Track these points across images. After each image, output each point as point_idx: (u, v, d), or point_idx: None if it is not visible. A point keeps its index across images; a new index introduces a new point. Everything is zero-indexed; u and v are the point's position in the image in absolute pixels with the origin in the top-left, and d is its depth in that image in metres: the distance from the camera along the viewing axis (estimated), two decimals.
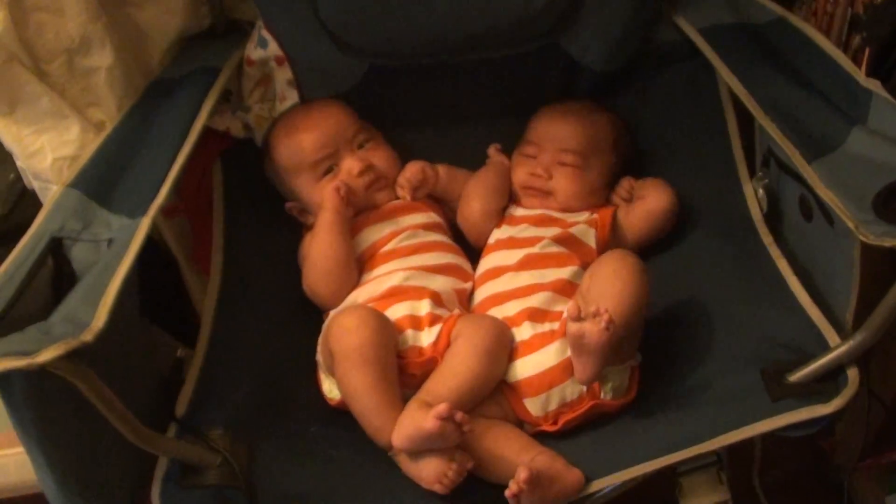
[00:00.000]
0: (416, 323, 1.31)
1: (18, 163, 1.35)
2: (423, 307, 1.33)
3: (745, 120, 1.41)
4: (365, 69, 1.50)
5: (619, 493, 1.18)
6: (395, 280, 1.37)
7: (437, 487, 1.17)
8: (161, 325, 1.40)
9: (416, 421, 1.15)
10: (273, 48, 1.47)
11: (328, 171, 1.47)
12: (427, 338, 1.30)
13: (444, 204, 1.55)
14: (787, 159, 1.20)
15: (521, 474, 1.12)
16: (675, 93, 1.53)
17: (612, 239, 1.44)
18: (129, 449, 1.04)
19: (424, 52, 1.50)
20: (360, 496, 1.21)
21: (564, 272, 1.37)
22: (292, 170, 1.48)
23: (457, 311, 1.35)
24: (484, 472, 1.20)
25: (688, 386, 1.24)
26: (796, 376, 1.15)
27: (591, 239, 1.43)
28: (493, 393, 1.27)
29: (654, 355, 1.29)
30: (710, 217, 1.45)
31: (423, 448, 1.17)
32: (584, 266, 1.36)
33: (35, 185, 1.35)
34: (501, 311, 1.34)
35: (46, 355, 0.91)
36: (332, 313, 1.36)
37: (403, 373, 1.26)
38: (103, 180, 1.24)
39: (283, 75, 1.50)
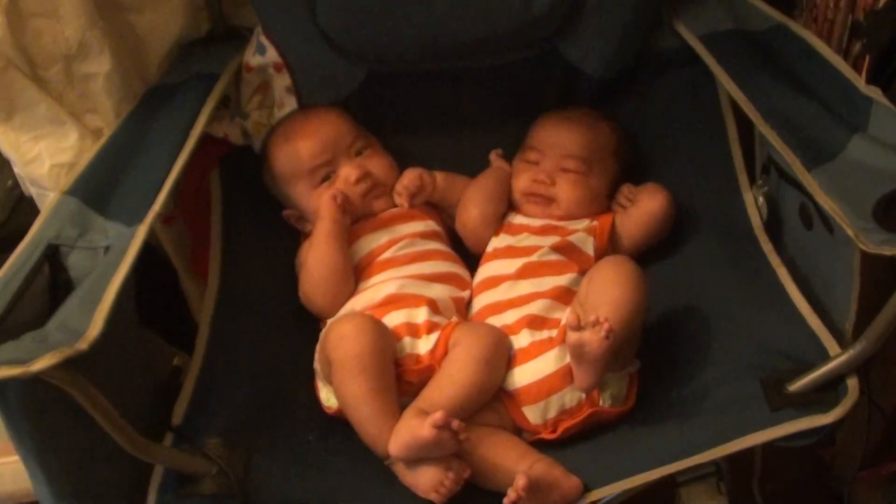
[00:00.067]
0: (413, 330, 1.31)
1: (16, 169, 1.35)
2: (421, 315, 1.32)
3: (745, 127, 1.40)
4: (363, 75, 1.50)
5: (617, 502, 1.18)
6: (391, 288, 1.37)
7: (433, 496, 1.17)
8: (159, 332, 1.40)
9: (412, 429, 1.15)
10: (272, 54, 1.47)
11: (325, 178, 1.47)
12: (425, 345, 1.29)
13: (442, 211, 1.54)
14: (787, 167, 1.20)
15: (520, 481, 1.12)
16: (675, 99, 1.53)
17: (609, 246, 1.44)
18: (124, 458, 1.03)
19: (423, 58, 1.50)
20: None
21: (562, 279, 1.37)
22: (289, 177, 1.48)
23: (455, 319, 1.34)
24: (481, 480, 1.20)
25: (686, 394, 1.24)
26: (796, 386, 1.15)
27: (589, 247, 1.42)
28: (491, 401, 1.27)
29: (653, 363, 1.29)
30: (709, 225, 1.44)
31: (419, 456, 1.16)
32: (582, 273, 1.36)
33: (32, 191, 1.35)
34: (500, 320, 1.34)
35: (41, 364, 0.90)
36: (329, 321, 1.35)
37: (401, 380, 1.26)
38: (100, 187, 1.24)
39: (282, 82, 1.50)
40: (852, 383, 1.12)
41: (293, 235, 1.51)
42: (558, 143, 1.49)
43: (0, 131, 1.30)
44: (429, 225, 1.49)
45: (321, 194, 1.44)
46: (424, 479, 1.17)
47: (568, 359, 1.23)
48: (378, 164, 1.50)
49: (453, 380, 1.24)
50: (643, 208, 1.44)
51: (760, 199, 1.39)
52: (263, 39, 1.47)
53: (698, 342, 1.29)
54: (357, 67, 1.49)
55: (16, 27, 1.25)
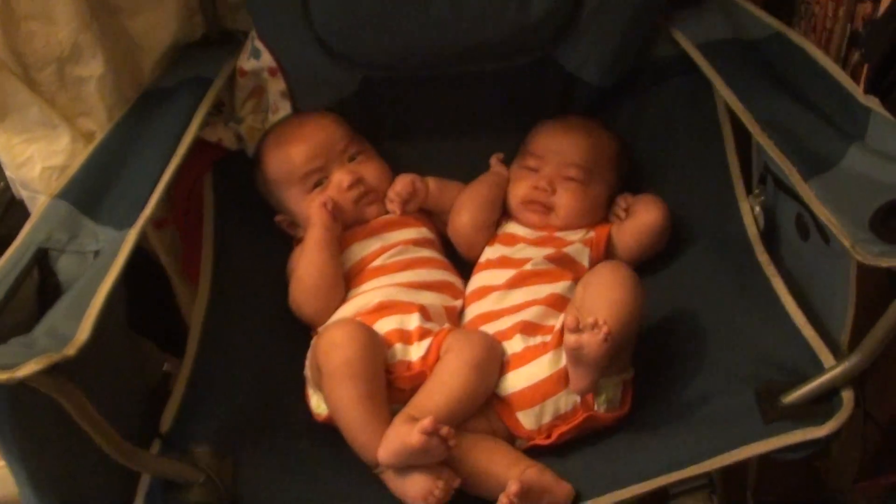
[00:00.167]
0: (405, 337, 1.30)
1: (7, 172, 1.34)
2: (413, 321, 1.32)
3: (743, 136, 1.40)
4: (359, 81, 1.50)
5: None
6: (383, 296, 1.36)
7: None
8: (150, 337, 1.40)
9: (401, 435, 1.14)
10: (266, 59, 1.47)
11: (318, 183, 1.46)
12: (416, 352, 1.29)
13: (435, 217, 1.53)
14: (784, 176, 1.19)
15: (512, 487, 1.12)
16: (672, 108, 1.52)
17: (605, 257, 1.43)
18: (112, 465, 1.03)
19: (419, 65, 1.49)
20: None
21: (557, 287, 1.36)
22: (282, 182, 1.48)
23: (447, 326, 1.34)
24: (473, 487, 1.19)
25: (680, 405, 1.23)
26: (790, 398, 1.14)
27: (584, 258, 1.42)
28: (482, 408, 1.26)
29: (648, 372, 1.28)
30: (705, 234, 1.44)
31: (408, 463, 1.16)
32: (577, 282, 1.36)
33: (23, 194, 1.35)
34: (493, 327, 1.33)
35: (26, 370, 0.90)
36: (320, 328, 1.35)
37: (392, 387, 1.25)
38: (91, 191, 1.24)
39: (276, 86, 1.49)
40: (847, 395, 1.11)
41: (285, 241, 1.50)
42: (560, 150, 1.48)
43: None
44: (421, 232, 1.49)
45: (313, 200, 1.43)
46: (414, 487, 1.16)
47: (562, 363, 1.23)
48: (371, 170, 1.49)
49: (444, 386, 1.23)
50: (640, 221, 1.44)
51: (757, 209, 1.38)
52: (258, 43, 1.46)
53: (692, 352, 1.29)
54: (352, 72, 1.49)
55: (8, 29, 1.25)
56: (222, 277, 1.42)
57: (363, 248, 1.44)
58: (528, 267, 1.39)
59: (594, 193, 1.48)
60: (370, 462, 1.20)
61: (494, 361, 1.27)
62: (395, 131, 1.57)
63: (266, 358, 1.37)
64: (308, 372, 1.32)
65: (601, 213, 1.50)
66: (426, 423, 1.11)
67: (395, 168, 1.53)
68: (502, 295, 1.38)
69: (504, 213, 1.52)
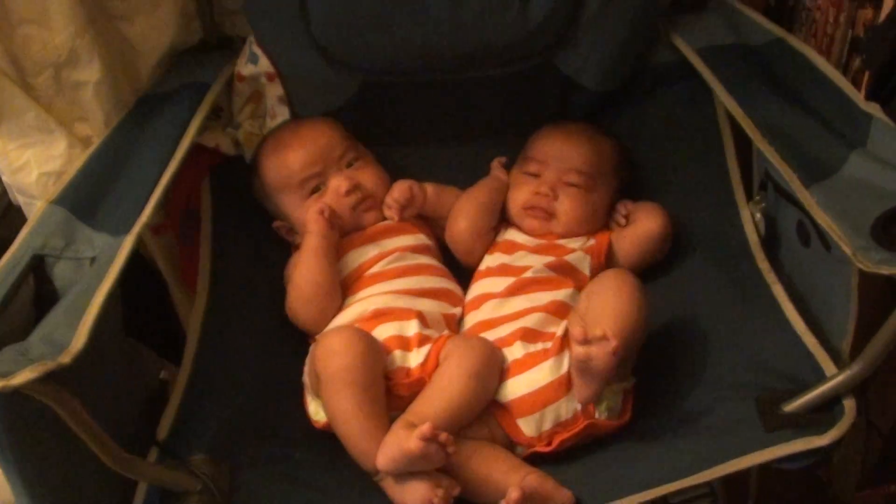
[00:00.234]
0: (404, 344, 1.30)
1: (3, 178, 1.34)
2: (412, 328, 1.31)
3: (743, 142, 1.39)
4: (357, 86, 1.49)
5: None
6: (380, 303, 1.36)
7: None
8: (148, 343, 1.39)
9: (399, 441, 1.14)
10: (264, 64, 1.46)
11: (315, 189, 1.46)
12: (416, 358, 1.28)
13: (433, 223, 1.53)
14: (785, 183, 1.19)
15: (512, 494, 1.12)
16: (672, 114, 1.52)
17: (606, 265, 1.43)
18: (108, 473, 1.02)
19: (418, 70, 1.49)
20: None
21: (558, 294, 1.36)
22: (279, 188, 1.47)
23: (446, 333, 1.33)
24: (472, 495, 1.19)
25: (681, 414, 1.23)
26: (791, 406, 1.13)
27: (585, 266, 1.42)
28: (482, 415, 1.25)
29: (648, 380, 1.28)
30: (705, 241, 1.43)
31: (407, 470, 1.15)
32: (578, 289, 1.36)
33: (20, 200, 1.35)
34: (493, 334, 1.33)
35: (21, 378, 0.89)
36: (319, 335, 1.34)
37: (391, 394, 1.25)
38: (88, 197, 1.23)
39: (274, 91, 1.49)
40: (849, 404, 1.11)
41: (283, 247, 1.50)
42: (562, 155, 1.48)
43: None
44: (419, 238, 1.48)
45: (311, 206, 1.42)
46: (413, 495, 1.15)
47: (563, 370, 1.23)
48: (369, 176, 1.48)
49: (443, 392, 1.22)
50: (641, 228, 1.44)
51: (758, 216, 1.38)
52: (256, 48, 1.46)
53: (693, 360, 1.28)
54: (351, 77, 1.48)
55: (5, 34, 1.25)
56: (220, 284, 1.41)
57: (360, 255, 1.43)
58: (528, 274, 1.39)
59: (595, 200, 1.47)
60: (369, 469, 1.19)
61: (494, 368, 1.26)
62: (393, 137, 1.57)
63: (264, 365, 1.36)
64: (306, 379, 1.31)
65: (602, 220, 1.49)
66: (425, 429, 1.11)
67: (393, 174, 1.52)
68: (502, 302, 1.37)
69: (503, 219, 1.51)
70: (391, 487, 1.18)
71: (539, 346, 1.28)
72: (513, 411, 1.25)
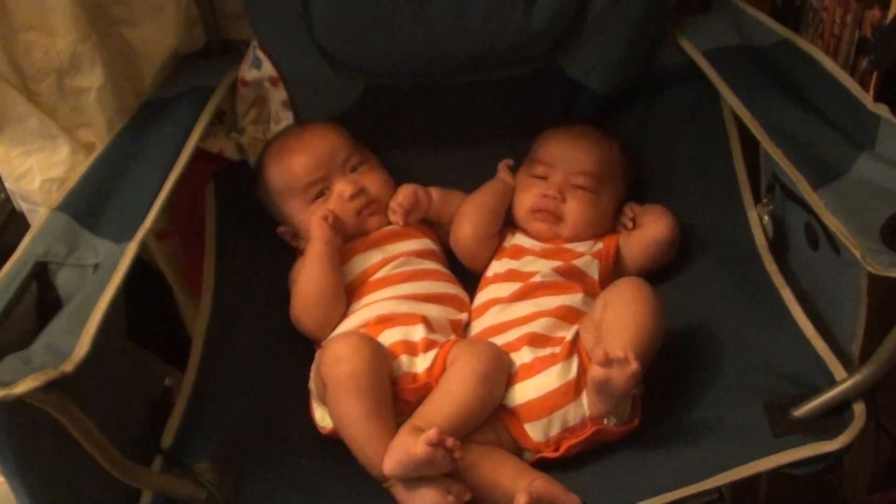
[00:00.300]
0: (410, 348, 1.29)
1: (7, 184, 1.34)
2: (418, 332, 1.31)
3: (750, 144, 1.38)
4: (361, 90, 1.49)
5: None
6: (384, 309, 1.35)
7: None
8: (154, 349, 1.39)
9: (406, 446, 1.13)
10: (267, 68, 1.46)
11: (320, 194, 1.45)
12: (422, 363, 1.28)
13: (439, 228, 1.52)
14: (793, 185, 1.18)
15: (521, 499, 1.11)
16: (679, 116, 1.52)
17: (614, 269, 1.43)
18: (112, 482, 1.02)
19: (422, 73, 1.48)
20: None
21: (567, 299, 1.35)
22: (283, 193, 1.47)
23: (453, 338, 1.33)
24: (480, 500, 1.18)
25: (689, 419, 1.22)
26: (801, 411, 1.12)
27: (594, 270, 1.41)
28: (489, 419, 1.25)
29: (656, 385, 1.26)
30: (712, 244, 1.43)
31: (414, 475, 1.14)
32: (587, 294, 1.36)
33: (23, 206, 1.35)
34: (501, 339, 1.32)
35: (23, 387, 0.89)
36: (324, 341, 1.34)
37: (397, 399, 1.24)
38: (91, 203, 1.23)
39: (278, 96, 1.48)
40: (859, 409, 1.10)
41: (288, 252, 1.49)
42: (569, 158, 1.47)
43: None
44: (424, 243, 1.48)
45: (315, 211, 1.42)
46: (424, 501, 1.14)
47: (571, 375, 1.23)
48: (373, 181, 1.48)
49: (450, 397, 1.22)
50: (648, 232, 1.43)
51: (766, 218, 1.37)
52: (259, 53, 1.45)
53: (701, 364, 1.28)
54: (354, 82, 1.48)
55: (7, 41, 1.25)
56: (224, 290, 1.41)
57: (365, 261, 1.43)
58: (536, 279, 1.38)
59: (603, 202, 1.47)
60: (378, 476, 1.18)
61: (501, 372, 1.26)
62: (398, 141, 1.56)
63: (269, 371, 1.36)
64: (312, 385, 1.31)
65: (609, 223, 1.49)
66: (431, 434, 1.10)
67: (398, 178, 1.52)
68: (509, 307, 1.36)
69: (510, 224, 1.51)
70: (401, 493, 1.17)
71: (548, 350, 1.28)
72: (520, 416, 1.24)
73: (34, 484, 1.01)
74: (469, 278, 1.48)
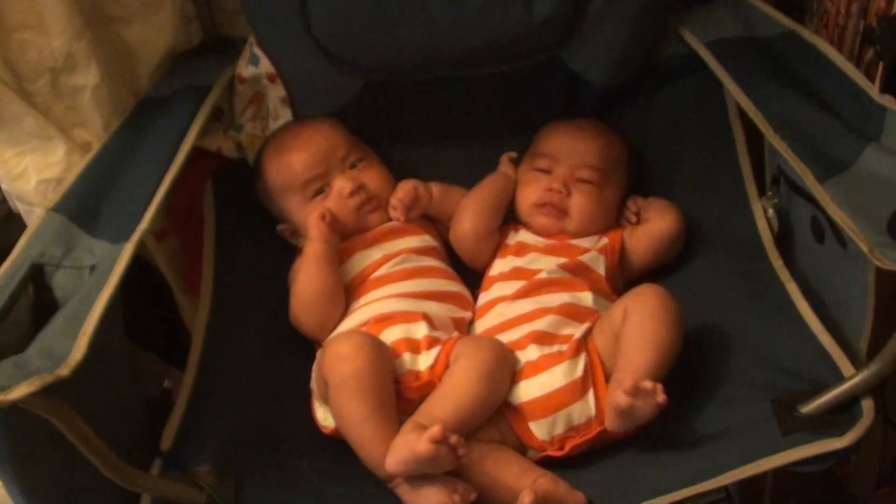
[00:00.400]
0: (413, 346, 1.28)
1: (2, 185, 1.34)
2: (420, 330, 1.30)
3: (754, 136, 1.37)
4: (360, 85, 1.48)
5: None
6: (385, 308, 1.34)
7: None
8: (153, 349, 1.39)
9: (409, 444, 1.12)
10: (265, 65, 1.45)
11: (319, 191, 1.45)
12: (425, 361, 1.27)
13: (439, 224, 1.52)
14: (798, 178, 1.17)
15: (526, 498, 1.10)
16: (682, 108, 1.50)
17: (620, 264, 1.42)
18: (110, 485, 1.01)
19: (422, 68, 1.47)
20: None
21: (573, 296, 1.34)
22: (282, 191, 1.46)
23: (456, 335, 1.32)
24: (483, 498, 1.17)
25: (695, 416, 1.21)
26: (808, 408, 1.11)
27: (600, 266, 1.40)
28: (493, 417, 1.24)
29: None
30: (717, 238, 1.42)
31: (417, 472, 1.14)
32: (594, 291, 1.35)
33: (19, 207, 1.34)
34: (506, 337, 1.31)
35: (19, 392, 0.89)
36: (326, 340, 1.33)
37: (400, 397, 1.23)
38: (87, 204, 1.22)
39: (276, 93, 1.48)
40: (867, 405, 1.09)
41: (288, 250, 1.49)
42: (573, 151, 1.46)
43: None
44: (425, 240, 1.47)
45: (314, 208, 1.41)
46: (429, 501, 1.14)
47: (577, 374, 1.23)
48: (373, 177, 1.47)
49: (454, 393, 1.21)
50: (654, 228, 1.42)
51: (770, 212, 1.36)
52: (257, 49, 1.44)
53: (706, 361, 1.26)
54: (353, 77, 1.47)
55: (0, 40, 1.24)
56: (224, 289, 1.40)
57: (364, 259, 1.42)
58: (541, 276, 1.37)
59: (608, 196, 1.46)
60: (382, 476, 1.18)
61: (506, 369, 1.25)
62: (397, 136, 1.56)
63: (269, 371, 1.35)
64: (314, 384, 1.30)
65: (613, 218, 1.48)
66: (435, 431, 1.09)
67: (398, 174, 1.51)
68: (514, 304, 1.35)
69: (512, 220, 1.50)
70: (406, 493, 1.16)
71: (555, 348, 1.27)
72: (524, 414, 1.23)
73: (31, 488, 1.00)
74: (470, 278, 1.47)
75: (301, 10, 1.38)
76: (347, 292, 1.39)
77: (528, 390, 1.24)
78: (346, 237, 1.43)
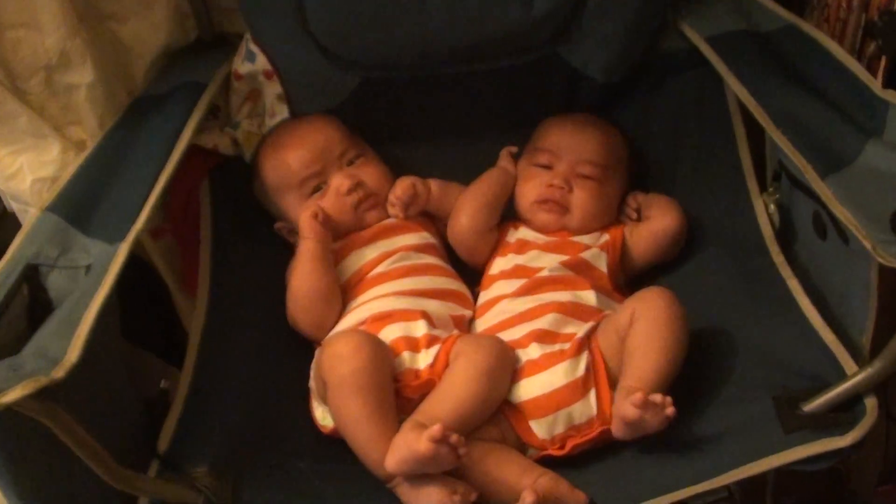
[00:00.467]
0: (412, 345, 1.28)
1: None
2: (419, 328, 1.30)
3: (755, 132, 1.37)
4: (357, 82, 1.47)
5: None
6: (384, 306, 1.34)
7: None
8: (151, 348, 1.39)
9: (409, 443, 1.12)
10: (261, 62, 1.44)
11: (316, 189, 1.44)
12: (424, 359, 1.26)
13: (438, 221, 1.51)
14: (800, 174, 1.16)
15: (528, 498, 1.10)
16: (682, 103, 1.50)
17: (621, 261, 1.41)
18: (107, 488, 1.00)
19: (419, 65, 1.46)
20: None
21: (574, 295, 1.34)
22: (279, 188, 1.46)
23: (455, 333, 1.32)
24: (484, 497, 1.17)
25: (697, 415, 1.20)
26: (811, 406, 1.11)
27: (602, 263, 1.40)
28: (493, 415, 1.23)
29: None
30: (718, 234, 1.41)
31: (417, 472, 1.13)
32: (597, 288, 1.35)
33: (14, 207, 1.34)
34: (507, 335, 1.31)
35: (13, 395, 0.88)
36: (324, 339, 1.33)
37: (400, 396, 1.23)
38: (82, 203, 1.22)
39: (273, 90, 1.47)
40: (870, 403, 1.08)
41: (286, 248, 1.47)
42: (574, 146, 1.46)
43: None
44: (423, 237, 1.46)
45: (311, 206, 1.40)
46: (429, 501, 1.13)
47: (579, 373, 1.22)
48: (371, 174, 1.47)
49: (454, 392, 1.20)
50: (656, 225, 1.42)
51: (772, 208, 1.36)
52: (253, 46, 1.43)
53: (708, 359, 1.26)
54: (350, 74, 1.46)
55: None
56: (221, 288, 1.40)
57: (362, 256, 1.42)
58: (543, 274, 1.37)
59: (609, 192, 1.45)
60: (382, 476, 1.17)
61: (506, 367, 1.24)
62: (395, 133, 1.55)
63: (267, 370, 1.34)
64: (312, 384, 1.30)
65: (614, 214, 1.47)
66: (435, 430, 1.09)
67: (396, 171, 1.51)
68: (514, 302, 1.35)
69: (511, 217, 1.49)
70: (405, 493, 1.16)
71: (556, 346, 1.27)
72: (525, 413, 1.23)
73: (26, 491, 1.00)
74: (469, 276, 1.46)
75: (298, 7, 1.37)
76: (345, 290, 1.39)
77: (528, 389, 1.24)
78: (343, 235, 1.43)
